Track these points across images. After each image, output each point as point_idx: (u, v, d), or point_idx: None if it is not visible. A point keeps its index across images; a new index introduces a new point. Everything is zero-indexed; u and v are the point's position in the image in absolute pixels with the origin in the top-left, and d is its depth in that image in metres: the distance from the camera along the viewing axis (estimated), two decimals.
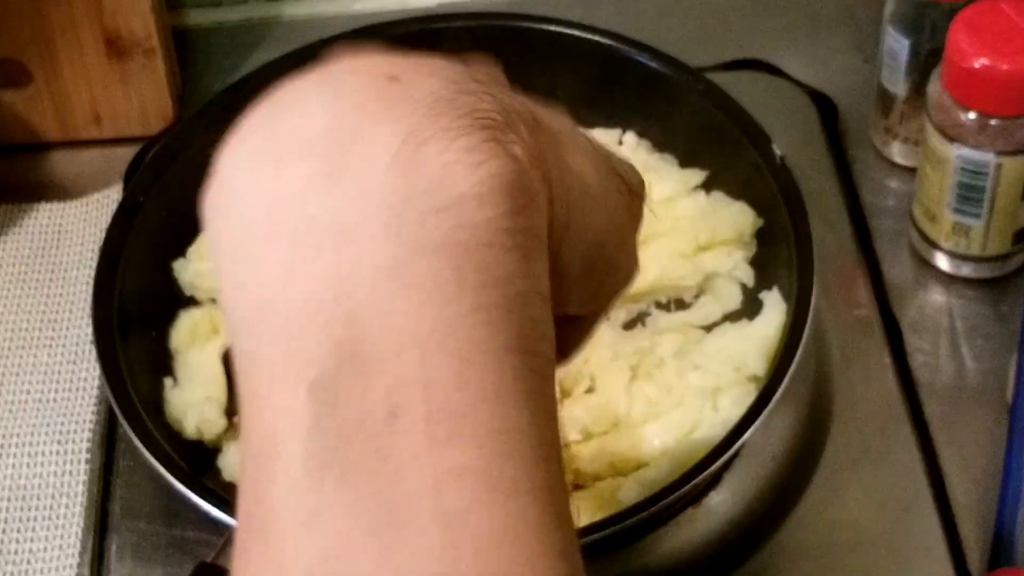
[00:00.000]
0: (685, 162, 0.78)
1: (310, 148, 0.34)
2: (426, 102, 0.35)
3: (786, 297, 0.71)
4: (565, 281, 0.39)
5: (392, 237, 0.33)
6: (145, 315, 0.72)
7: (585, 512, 0.66)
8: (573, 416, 0.69)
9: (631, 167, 0.44)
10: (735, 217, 0.75)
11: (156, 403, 0.70)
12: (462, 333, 0.33)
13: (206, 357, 0.72)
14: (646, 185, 0.45)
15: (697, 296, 0.75)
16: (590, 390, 0.70)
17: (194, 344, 0.72)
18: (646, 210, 0.45)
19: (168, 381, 0.71)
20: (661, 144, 0.79)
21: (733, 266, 0.74)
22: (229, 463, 0.68)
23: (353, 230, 0.33)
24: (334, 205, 0.33)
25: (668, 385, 0.70)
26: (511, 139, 0.35)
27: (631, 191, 0.43)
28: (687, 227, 0.75)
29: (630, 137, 0.79)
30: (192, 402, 0.69)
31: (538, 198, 0.36)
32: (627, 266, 0.44)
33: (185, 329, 0.72)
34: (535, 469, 0.33)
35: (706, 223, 0.75)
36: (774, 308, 0.71)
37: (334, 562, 0.31)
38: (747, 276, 0.74)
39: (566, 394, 0.70)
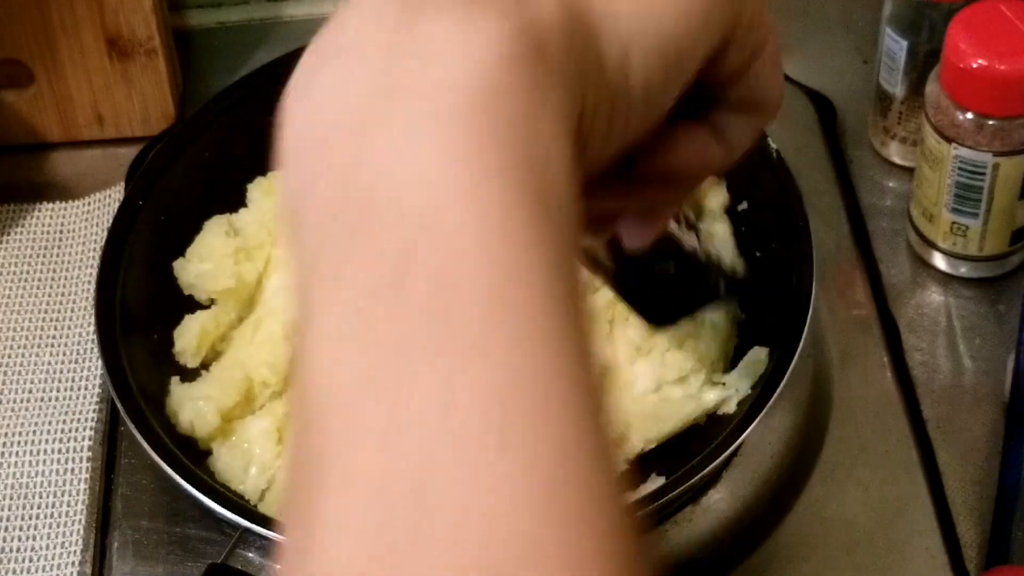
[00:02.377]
0: None
1: (336, 53, 0.36)
2: None
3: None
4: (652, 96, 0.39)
5: (398, 114, 0.34)
6: (147, 314, 0.73)
7: None
8: None
9: None
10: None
11: (158, 401, 0.70)
12: (470, 186, 0.33)
13: (219, 359, 0.72)
14: None
15: None
16: None
17: (202, 346, 0.72)
18: None
19: (175, 379, 0.71)
20: None
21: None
22: (221, 466, 0.68)
23: (367, 117, 0.34)
24: (352, 100, 0.35)
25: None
26: None
27: None
28: None
29: None
30: (190, 396, 0.69)
31: (551, 39, 0.35)
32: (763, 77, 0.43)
33: (192, 331, 0.72)
34: (546, 324, 0.33)
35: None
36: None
37: (352, 419, 0.32)
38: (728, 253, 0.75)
39: None
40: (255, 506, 0.66)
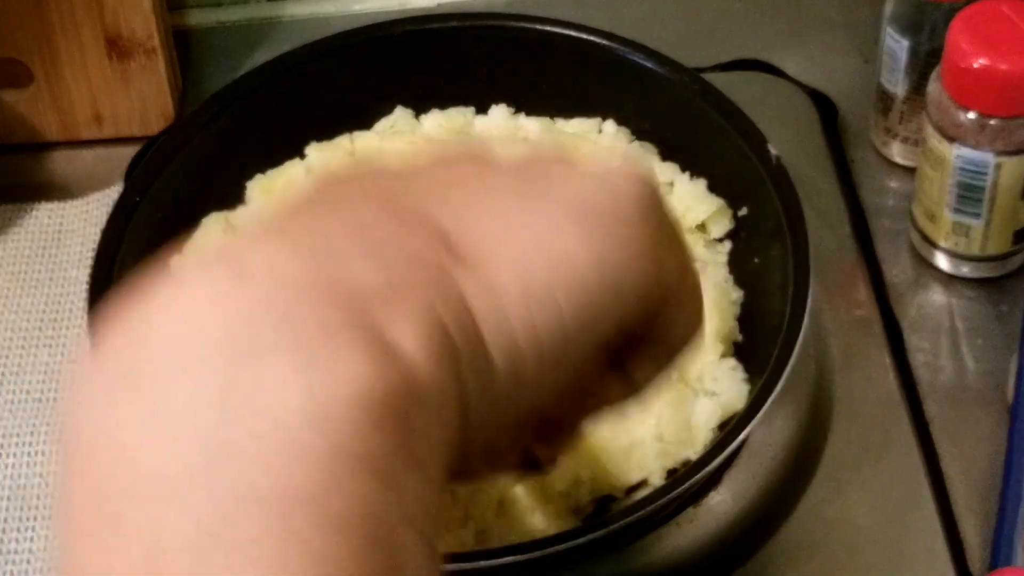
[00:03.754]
0: (680, 163, 0.78)
1: (138, 379, 0.30)
2: (268, 304, 0.30)
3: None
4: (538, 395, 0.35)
5: (211, 490, 0.28)
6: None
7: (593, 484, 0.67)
8: None
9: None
10: (701, 208, 0.75)
11: None
12: None
13: None
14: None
15: None
16: None
17: None
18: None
19: None
20: (645, 136, 0.79)
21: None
22: None
23: (172, 484, 0.29)
24: (150, 454, 0.29)
25: None
26: (386, 317, 0.30)
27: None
28: None
29: (610, 126, 0.79)
30: None
31: (420, 388, 0.30)
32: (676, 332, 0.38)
33: None
34: None
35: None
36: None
37: None
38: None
39: None
40: None
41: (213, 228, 0.75)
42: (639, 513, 0.63)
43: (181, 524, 0.28)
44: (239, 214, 0.76)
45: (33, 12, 0.81)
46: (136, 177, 0.76)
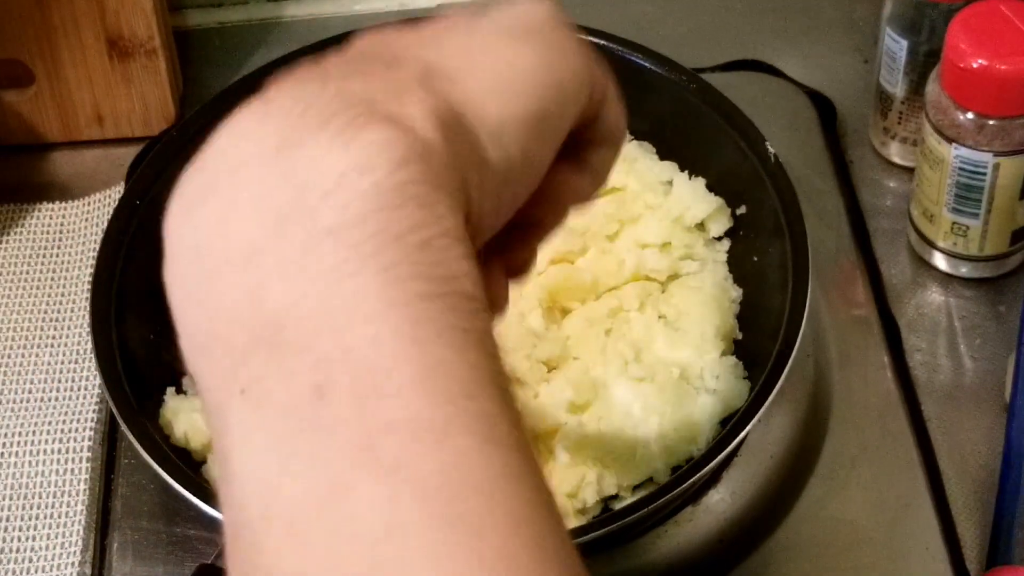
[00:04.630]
0: (679, 162, 0.78)
1: (217, 181, 0.37)
2: (295, 109, 0.37)
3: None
4: (509, 179, 0.41)
5: (289, 239, 0.35)
6: (144, 315, 0.72)
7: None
8: (556, 393, 0.69)
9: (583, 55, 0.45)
10: (700, 207, 0.75)
11: (156, 402, 0.70)
12: (370, 298, 0.34)
13: None
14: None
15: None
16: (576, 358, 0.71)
17: None
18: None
19: (170, 389, 0.71)
20: (644, 136, 0.79)
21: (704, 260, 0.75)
22: (216, 475, 0.68)
23: (258, 245, 0.36)
24: (240, 227, 0.36)
25: (638, 341, 0.71)
26: (390, 104, 0.37)
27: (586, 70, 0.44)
28: (657, 216, 0.75)
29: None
30: (185, 408, 0.69)
31: (427, 143, 0.37)
32: (606, 125, 0.46)
33: None
34: (469, 402, 0.34)
35: (669, 213, 0.75)
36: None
37: (297, 533, 0.33)
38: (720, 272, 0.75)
39: (552, 367, 0.71)
40: None
41: None
42: (641, 512, 0.63)
43: (272, 271, 0.35)
44: None
45: (34, 13, 0.82)
46: (137, 179, 0.76)
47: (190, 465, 0.67)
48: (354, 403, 0.33)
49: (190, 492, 0.64)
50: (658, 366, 0.70)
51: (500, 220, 0.42)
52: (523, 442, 0.35)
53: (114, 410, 0.67)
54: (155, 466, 0.65)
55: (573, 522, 0.66)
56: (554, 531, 0.34)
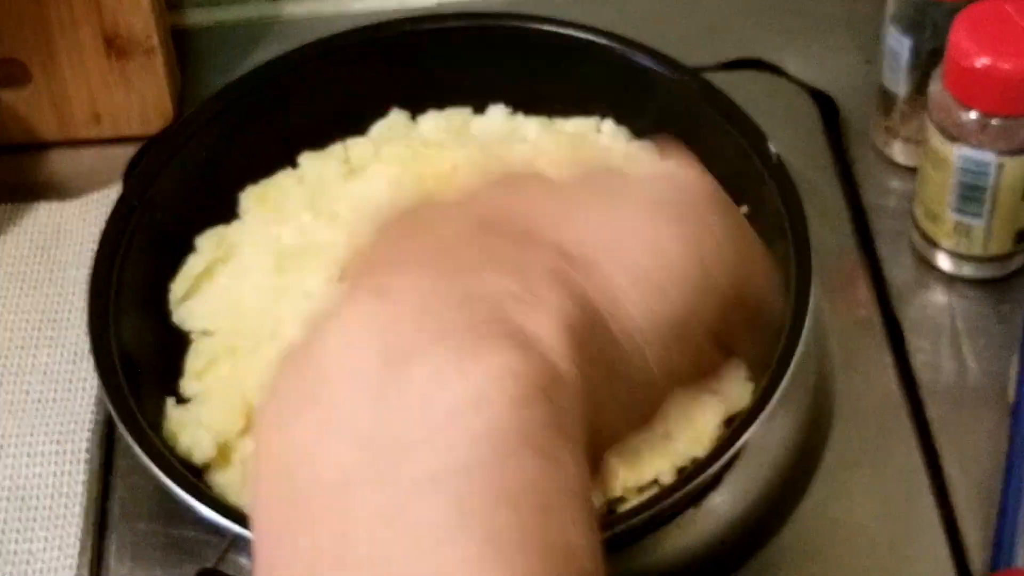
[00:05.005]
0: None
1: (311, 396, 0.33)
2: (412, 313, 0.33)
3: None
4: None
5: (385, 481, 0.31)
6: (143, 315, 0.72)
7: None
8: None
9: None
10: None
11: (155, 406, 0.69)
12: (471, 572, 0.29)
13: (217, 384, 0.71)
14: None
15: None
16: None
17: (207, 372, 0.71)
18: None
19: (170, 400, 0.70)
20: (644, 135, 0.79)
21: None
22: (218, 482, 0.68)
23: (348, 481, 0.31)
24: (330, 458, 0.32)
25: None
26: (519, 311, 0.33)
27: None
28: None
29: (608, 125, 0.79)
30: (188, 421, 0.69)
31: (556, 374, 0.32)
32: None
33: (202, 358, 0.72)
34: None
35: None
36: None
37: None
38: None
39: None
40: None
41: (208, 245, 0.75)
42: (644, 514, 0.62)
43: (361, 514, 0.31)
44: (234, 229, 0.76)
45: (32, 11, 0.81)
46: (135, 180, 0.76)
47: (190, 470, 0.67)
48: None
49: (192, 497, 0.63)
50: None
51: (621, 436, 0.38)
52: None
53: (113, 414, 0.67)
54: (157, 472, 0.64)
55: None
56: None
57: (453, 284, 0.33)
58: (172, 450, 0.68)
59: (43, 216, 0.82)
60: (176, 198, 0.75)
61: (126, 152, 0.85)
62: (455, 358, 0.31)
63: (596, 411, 0.34)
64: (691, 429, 0.68)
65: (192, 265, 0.74)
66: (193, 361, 0.72)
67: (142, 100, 0.85)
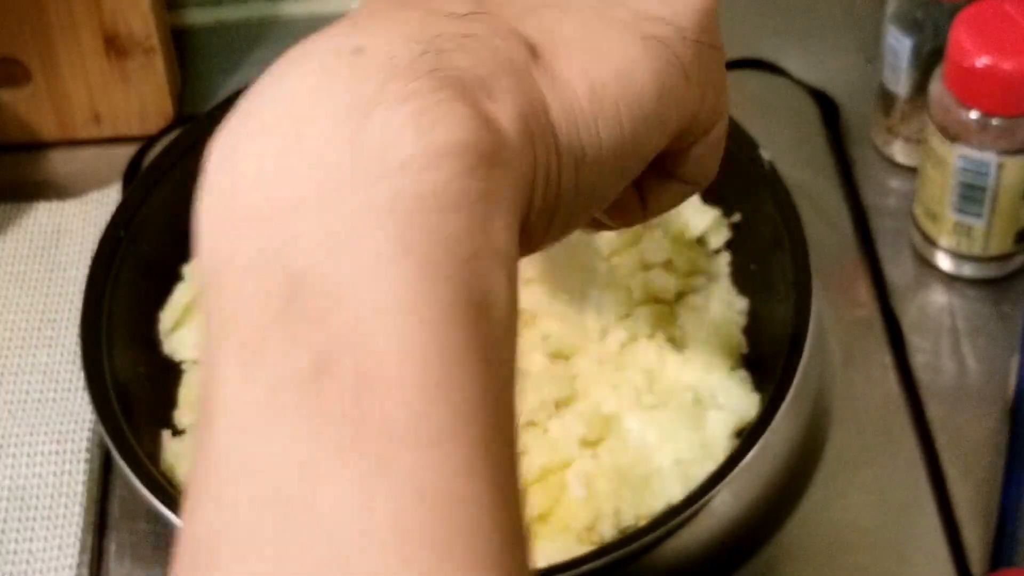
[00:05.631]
0: None
1: (274, 128, 0.35)
2: (383, 69, 0.35)
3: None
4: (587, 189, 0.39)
5: (336, 206, 0.33)
6: (135, 350, 0.72)
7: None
8: (568, 428, 0.68)
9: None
10: (698, 219, 0.75)
11: (151, 440, 0.69)
12: (401, 292, 0.33)
13: None
14: None
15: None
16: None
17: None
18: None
19: (165, 432, 0.70)
20: None
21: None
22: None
23: (301, 203, 0.34)
24: (286, 180, 0.34)
25: (650, 367, 0.70)
26: (482, 91, 0.36)
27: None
28: (656, 233, 0.74)
29: None
30: (185, 453, 0.68)
31: (505, 154, 0.35)
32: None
33: (196, 388, 0.71)
34: (470, 422, 0.33)
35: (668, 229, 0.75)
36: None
37: (254, 525, 0.32)
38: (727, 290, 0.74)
39: (563, 404, 0.69)
40: None
41: (196, 274, 0.74)
42: (652, 534, 0.62)
43: (310, 230, 0.33)
44: None
45: (31, 11, 0.81)
46: (136, 183, 0.76)
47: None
48: (350, 391, 0.32)
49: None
50: (670, 392, 0.69)
51: (577, 217, 0.40)
52: (514, 463, 0.34)
53: (113, 451, 0.66)
54: (159, 506, 0.63)
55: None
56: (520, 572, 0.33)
57: (424, 56, 0.36)
58: (171, 482, 0.67)
59: (42, 216, 0.82)
60: (163, 227, 0.74)
61: (126, 152, 0.85)
62: (413, 121, 0.34)
63: (535, 195, 0.38)
64: (701, 448, 0.67)
65: (180, 295, 0.74)
66: (187, 391, 0.71)
67: (142, 100, 0.85)
